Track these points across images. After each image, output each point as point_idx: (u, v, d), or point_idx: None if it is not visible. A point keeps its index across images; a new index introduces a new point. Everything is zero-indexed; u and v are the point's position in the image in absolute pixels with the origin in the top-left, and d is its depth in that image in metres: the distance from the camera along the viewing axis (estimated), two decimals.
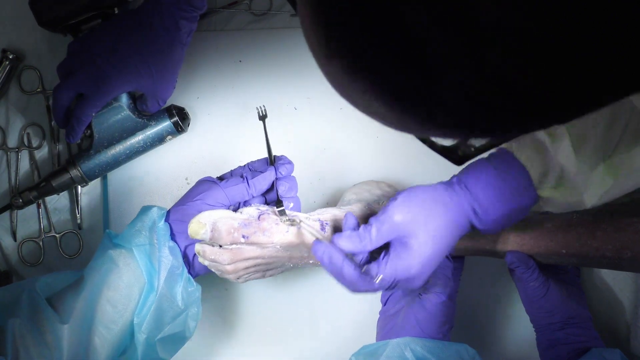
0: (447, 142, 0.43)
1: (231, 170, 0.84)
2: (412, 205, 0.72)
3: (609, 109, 0.64)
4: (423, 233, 0.71)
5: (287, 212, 0.78)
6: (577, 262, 0.79)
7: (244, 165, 0.83)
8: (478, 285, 0.92)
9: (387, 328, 0.81)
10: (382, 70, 0.34)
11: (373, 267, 0.71)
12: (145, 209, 0.79)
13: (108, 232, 0.80)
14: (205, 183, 0.81)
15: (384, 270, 0.70)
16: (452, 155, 0.44)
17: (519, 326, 0.90)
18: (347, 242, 0.72)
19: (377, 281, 0.70)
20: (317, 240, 0.73)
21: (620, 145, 0.64)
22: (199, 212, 0.77)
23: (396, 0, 0.30)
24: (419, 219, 0.71)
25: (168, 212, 0.79)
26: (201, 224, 0.75)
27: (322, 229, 0.78)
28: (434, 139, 0.43)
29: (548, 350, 0.81)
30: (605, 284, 0.91)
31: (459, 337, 0.93)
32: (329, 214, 0.80)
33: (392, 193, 0.87)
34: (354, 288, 0.72)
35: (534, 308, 0.82)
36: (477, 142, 0.42)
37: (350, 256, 0.72)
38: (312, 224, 0.78)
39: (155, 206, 0.79)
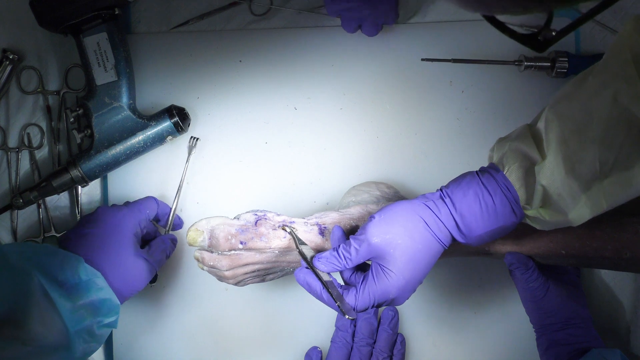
0: (525, 30, 0.43)
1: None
2: (391, 226, 0.71)
3: (605, 126, 0.63)
4: (401, 255, 0.70)
5: (283, 218, 0.78)
6: (577, 262, 0.79)
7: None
8: (477, 286, 0.92)
9: None
10: None
11: (351, 295, 0.71)
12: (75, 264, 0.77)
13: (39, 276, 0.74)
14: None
15: (360, 299, 0.71)
16: (533, 41, 0.43)
17: (519, 327, 0.90)
18: (326, 264, 0.72)
19: (350, 317, 0.70)
20: (299, 268, 0.74)
21: (616, 166, 0.63)
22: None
23: None
24: (398, 239, 0.70)
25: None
26: (199, 232, 0.76)
27: (321, 233, 0.78)
28: (513, 27, 0.43)
29: (548, 350, 0.81)
30: (605, 284, 0.91)
31: (458, 338, 0.93)
32: (328, 217, 0.80)
33: (392, 194, 0.87)
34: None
35: (533, 309, 0.82)
36: (558, 27, 0.41)
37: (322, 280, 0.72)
38: (308, 229, 0.78)
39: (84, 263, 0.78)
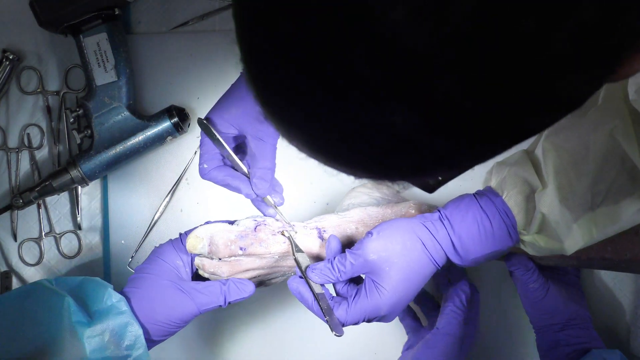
0: None
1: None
2: (389, 243, 0.71)
3: (600, 160, 0.64)
4: (396, 274, 0.70)
5: (284, 221, 0.78)
6: (577, 263, 0.79)
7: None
8: (477, 287, 0.92)
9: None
10: (308, 140, 0.36)
11: (342, 309, 0.71)
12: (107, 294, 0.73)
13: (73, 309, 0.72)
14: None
15: (351, 314, 0.71)
16: (423, 185, 0.44)
17: (519, 327, 0.90)
18: (319, 275, 0.72)
19: (336, 334, 0.70)
20: (293, 275, 0.74)
21: (607, 198, 0.65)
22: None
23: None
24: (394, 258, 0.71)
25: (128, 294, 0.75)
26: (199, 239, 0.75)
27: (320, 237, 0.78)
28: None
29: (548, 351, 0.81)
30: (605, 284, 0.91)
31: None
32: (327, 221, 0.79)
33: (392, 196, 0.87)
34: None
35: (534, 309, 0.82)
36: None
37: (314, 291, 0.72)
38: (307, 233, 0.77)
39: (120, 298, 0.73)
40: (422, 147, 0.33)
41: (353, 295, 0.72)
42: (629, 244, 0.74)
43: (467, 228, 0.71)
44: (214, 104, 0.95)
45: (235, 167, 0.76)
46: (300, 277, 0.73)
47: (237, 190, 0.76)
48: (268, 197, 0.76)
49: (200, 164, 0.76)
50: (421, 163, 0.35)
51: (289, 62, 0.32)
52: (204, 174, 0.76)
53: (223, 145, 0.73)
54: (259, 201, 0.78)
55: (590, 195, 0.65)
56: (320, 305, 0.71)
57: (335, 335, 0.70)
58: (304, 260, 0.74)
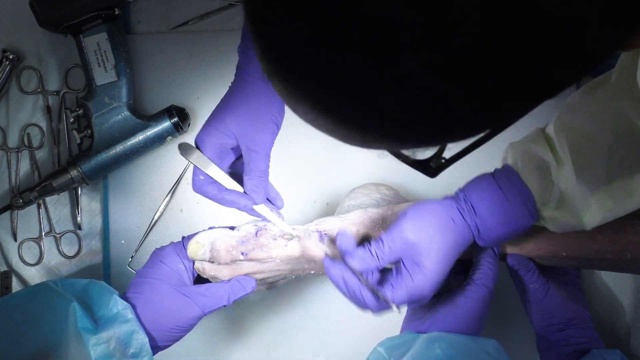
0: (419, 156, 0.42)
1: None
2: (424, 222, 0.71)
3: (612, 135, 0.65)
4: (435, 253, 0.70)
5: (286, 225, 0.77)
6: (577, 264, 0.79)
7: None
8: None
9: (420, 318, 0.77)
10: (320, 94, 0.33)
11: (387, 291, 0.70)
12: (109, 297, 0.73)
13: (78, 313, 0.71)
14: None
15: (397, 294, 0.70)
16: (425, 168, 0.43)
17: (519, 327, 0.90)
18: (359, 262, 0.70)
19: (397, 311, 0.69)
20: (330, 260, 0.72)
21: (622, 170, 0.65)
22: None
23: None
24: (431, 237, 0.70)
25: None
26: (200, 245, 0.75)
27: (321, 240, 0.77)
28: (405, 152, 0.42)
29: (548, 351, 0.81)
30: (605, 285, 0.91)
31: None
32: (328, 224, 0.79)
33: (392, 196, 0.87)
34: (365, 308, 0.71)
35: (534, 309, 0.82)
36: (447, 154, 0.41)
37: (358, 275, 0.71)
38: (308, 236, 0.77)
39: (118, 298, 0.73)
40: (439, 101, 0.32)
41: (395, 276, 0.70)
42: (629, 244, 0.74)
43: (488, 208, 0.71)
44: (214, 104, 0.96)
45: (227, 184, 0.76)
46: (338, 263, 0.72)
47: (231, 204, 0.76)
48: (263, 205, 0.76)
49: (195, 175, 0.76)
50: (437, 121, 0.34)
51: (296, 8, 0.31)
52: (197, 187, 0.76)
53: (211, 167, 0.75)
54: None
55: (605, 169, 0.66)
56: (373, 289, 0.69)
57: (397, 312, 0.69)
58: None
